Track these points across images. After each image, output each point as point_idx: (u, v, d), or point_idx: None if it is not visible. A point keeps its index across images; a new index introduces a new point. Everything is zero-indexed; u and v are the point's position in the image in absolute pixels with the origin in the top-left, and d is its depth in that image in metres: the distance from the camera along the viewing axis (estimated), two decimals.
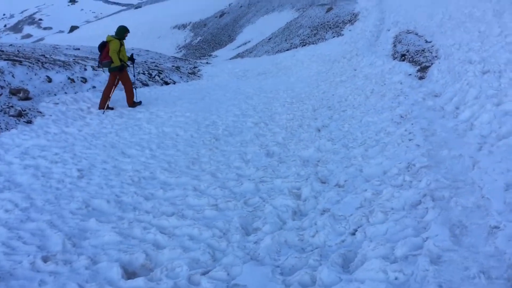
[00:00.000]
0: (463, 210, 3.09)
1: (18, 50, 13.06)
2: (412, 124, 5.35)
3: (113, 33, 9.10)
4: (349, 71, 10.72)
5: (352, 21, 17.23)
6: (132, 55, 9.50)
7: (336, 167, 4.89)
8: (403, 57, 9.87)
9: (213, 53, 33.42)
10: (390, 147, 4.91)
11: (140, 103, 9.49)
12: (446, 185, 3.53)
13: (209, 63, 21.55)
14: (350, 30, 16.09)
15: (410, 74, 8.35)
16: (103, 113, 8.60)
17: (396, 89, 7.55)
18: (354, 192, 4.01)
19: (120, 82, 9.18)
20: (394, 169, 4.30)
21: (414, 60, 9.25)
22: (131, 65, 10.56)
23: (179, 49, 40.06)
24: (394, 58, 10.18)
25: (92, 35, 52.22)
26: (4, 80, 8.73)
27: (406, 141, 4.90)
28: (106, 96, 8.92)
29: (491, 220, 2.79)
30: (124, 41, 9.13)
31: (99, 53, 8.92)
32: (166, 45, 40.23)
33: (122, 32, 8.98)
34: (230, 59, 23.95)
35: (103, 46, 8.81)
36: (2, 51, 11.65)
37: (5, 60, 9.75)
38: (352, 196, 3.93)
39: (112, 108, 9.00)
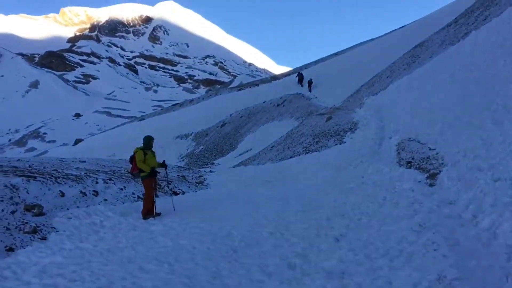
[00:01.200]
0: None
1: (30, 166, 13.35)
2: (434, 233, 5.39)
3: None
4: (357, 178, 10.93)
5: (353, 129, 17.93)
6: (164, 161, 9.99)
7: (363, 280, 4.82)
8: (409, 164, 10.15)
9: (216, 161, 34.12)
10: (415, 258, 4.89)
11: (159, 214, 9.58)
12: None
13: (213, 172, 21.90)
14: (351, 138, 16.68)
15: (419, 181, 8.53)
16: (154, 219, 9.13)
17: (408, 196, 7.68)
18: None
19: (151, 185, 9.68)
20: (424, 281, 4.25)
21: (421, 167, 9.51)
22: (164, 171, 10.98)
23: (181, 158, 40.96)
24: (401, 165, 10.45)
25: (95, 147, 53.67)
26: (19, 197, 8.86)
27: (431, 251, 4.90)
28: (149, 204, 9.41)
29: None
30: (152, 148, 9.79)
31: (130, 165, 9.64)
32: (169, 154, 41.15)
33: (146, 141, 9.69)
34: (234, 167, 24.39)
35: (132, 158, 9.52)
36: (16, 167, 11.93)
37: (20, 176, 9.98)
38: None
39: (159, 214, 9.46)
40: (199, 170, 22.80)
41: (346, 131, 18.25)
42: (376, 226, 6.71)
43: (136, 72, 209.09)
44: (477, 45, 15.71)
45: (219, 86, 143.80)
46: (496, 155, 7.24)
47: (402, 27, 55.68)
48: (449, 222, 5.81)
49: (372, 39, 60.86)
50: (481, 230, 5.12)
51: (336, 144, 17.11)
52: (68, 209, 9.35)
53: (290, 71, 70.61)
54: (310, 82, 41.94)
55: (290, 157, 18.77)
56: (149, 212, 9.43)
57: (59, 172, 11.82)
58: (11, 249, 6.70)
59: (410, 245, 5.41)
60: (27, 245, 6.95)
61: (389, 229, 6.34)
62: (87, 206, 9.81)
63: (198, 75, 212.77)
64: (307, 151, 18.45)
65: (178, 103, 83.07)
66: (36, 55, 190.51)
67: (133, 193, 11.62)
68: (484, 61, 13.11)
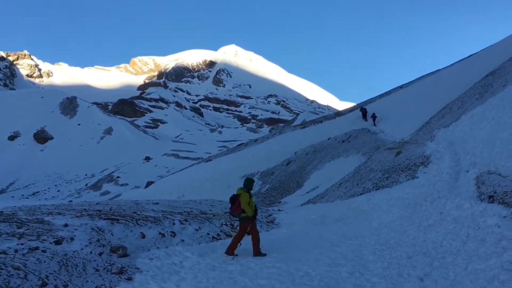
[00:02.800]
0: None
1: (110, 208, 14.11)
2: None
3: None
4: (434, 214, 10.55)
5: (425, 163, 17.35)
6: (256, 206, 10.20)
7: None
8: (491, 199, 9.67)
9: (282, 200, 34.04)
10: None
11: (265, 255, 9.76)
12: None
13: (282, 210, 21.89)
14: (424, 173, 16.13)
15: (505, 217, 8.10)
16: (232, 259, 9.28)
17: (494, 232, 7.31)
18: None
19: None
20: None
21: (505, 201, 9.03)
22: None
23: None
24: (482, 200, 9.97)
25: (166, 188, 55.45)
26: (105, 239, 9.38)
27: None
28: (236, 243, 9.67)
29: None
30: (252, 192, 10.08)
31: (230, 204, 9.97)
32: None
33: (249, 184, 10.04)
34: (302, 205, 24.24)
35: (234, 199, 9.86)
36: (100, 210, 12.68)
37: (104, 219, 10.60)
38: None
39: (236, 255, 9.60)
40: (267, 209, 22.88)
41: (418, 165, 17.71)
42: (462, 265, 6.44)
43: (201, 114, 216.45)
44: None
45: (282, 124, 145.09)
46: None
47: (469, 56, 53.92)
48: None
49: (438, 70, 59.31)
50: None
51: (408, 179, 16.64)
52: (149, 250, 9.76)
53: (353, 106, 70.04)
54: (374, 116, 41.23)
55: (360, 194, 18.44)
56: (231, 249, 9.62)
57: (138, 214, 12.41)
58: None
59: (502, 284, 5.15)
60: (115, 286, 7.32)
61: (477, 268, 6.06)
62: (166, 247, 10.18)
63: (261, 115, 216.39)
64: (378, 187, 18.06)
65: (243, 143, 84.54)
66: (109, 103, 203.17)
67: (208, 234, 11.91)
68: None
